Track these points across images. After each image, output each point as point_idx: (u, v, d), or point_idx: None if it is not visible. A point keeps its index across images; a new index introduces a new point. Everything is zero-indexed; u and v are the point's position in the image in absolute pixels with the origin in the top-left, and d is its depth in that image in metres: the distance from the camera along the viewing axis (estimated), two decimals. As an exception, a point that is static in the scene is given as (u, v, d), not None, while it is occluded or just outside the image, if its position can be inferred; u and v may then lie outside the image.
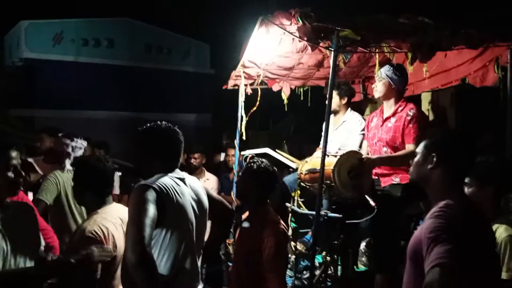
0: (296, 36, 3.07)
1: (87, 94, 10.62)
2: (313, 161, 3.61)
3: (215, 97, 5.50)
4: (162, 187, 2.10)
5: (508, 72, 3.33)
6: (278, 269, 2.58)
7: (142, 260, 1.89)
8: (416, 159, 1.96)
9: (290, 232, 3.43)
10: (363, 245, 3.59)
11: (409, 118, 3.35)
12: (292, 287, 3.33)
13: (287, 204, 3.59)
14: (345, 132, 4.11)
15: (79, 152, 3.80)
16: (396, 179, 3.36)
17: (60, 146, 3.80)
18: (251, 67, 4.34)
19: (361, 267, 3.58)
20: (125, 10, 12.60)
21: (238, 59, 4.20)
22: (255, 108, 4.56)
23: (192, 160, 5.17)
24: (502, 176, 2.44)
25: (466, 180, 2.42)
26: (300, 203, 3.69)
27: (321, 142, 3.36)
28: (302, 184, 3.71)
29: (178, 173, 2.28)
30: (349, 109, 4.21)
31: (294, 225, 3.49)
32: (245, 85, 4.62)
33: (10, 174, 2.08)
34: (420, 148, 1.96)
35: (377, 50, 3.31)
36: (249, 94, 4.67)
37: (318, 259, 3.51)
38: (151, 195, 2.04)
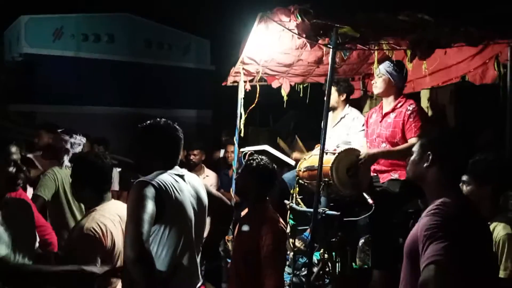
0: (295, 33, 3.06)
1: (87, 90, 10.60)
2: (311, 159, 3.60)
3: (215, 93, 5.49)
4: (161, 184, 2.10)
5: (508, 70, 3.32)
6: (276, 266, 2.58)
7: (140, 256, 1.88)
8: (412, 157, 1.97)
9: (288, 229, 3.43)
10: (361, 242, 3.60)
11: (409, 112, 3.35)
12: (290, 284, 3.34)
13: (286, 201, 3.59)
14: (344, 129, 4.12)
15: (78, 149, 3.80)
16: (394, 175, 3.37)
17: (58, 142, 3.79)
18: (251, 64, 4.33)
19: (359, 265, 3.58)
20: (125, 5, 12.58)
21: (238, 56, 4.19)
22: (254, 105, 4.55)
23: (192, 157, 5.17)
24: (501, 175, 2.44)
25: (465, 178, 2.43)
26: (299, 200, 3.69)
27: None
28: (300, 181, 3.71)
29: (177, 170, 2.28)
30: (348, 105, 4.21)
31: (293, 222, 3.49)
32: (245, 81, 4.61)
33: (11, 169, 2.08)
34: (416, 147, 1.97)
35: (376, 48, 3.30)
36: (247, 90, 4.66)
37: (316, 256, 3.51)
38: (149, 191, 2.04)
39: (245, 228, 2.76)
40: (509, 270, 2.29)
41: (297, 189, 3.71)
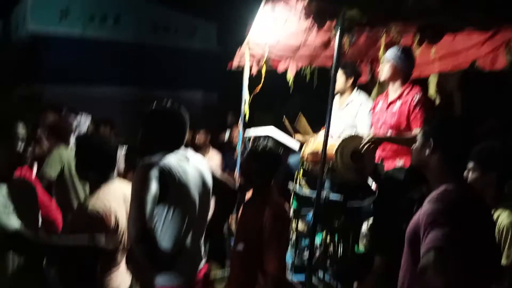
0: (302, 15, 3.02)
1: (93, 70, 10.56)
2: (316, 143, 3.59)
3: (221, 75, 5.45)
4: (165, 165, 2.12)
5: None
6: (278, 249, 2.59)
7: (142, 236, 1.92)
8: (415, 145, 1.97)
9: (291, 213, 3.45)
10: (364, 227, 3.60)
11: (415, 102, 3.30)
12: (292, 266, 3.37)
13: (290, 184, 3.59)
14: (350, 114, 4.09)
15: (83, 129, 3.82)
16: (400, 162, 3.35)
17: (64, 122, 3.82)
18: (256, 47, 4.29)
19: (361, 249, 3.60)
20: (131, -14, 12.44)
21: (244, 38, 4.14)
22: (259, 89, 4.50)
23: (197, 138, 5.18)
24: (506, 162, 2.42)
25: (470, 165, 2.41)
26: (303, 184, 3.69)
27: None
28: (304, 165, 3.70)
29: (182, 152, 2.30)
30: (356, 89, 4.17)
31: (296, 205, 3.50)
32: (250, 65, 4.56)
33: (18, 148, 2.10)
34: (419, 134, 1.97)
35: (383, 32, 3.25)
36: (253, 75, 4.61)
37: (319, 239, 3.53)
38: (153, 173, 2.06)
39: (249, 211, 2.77)
40: (511, 258, 2.28)
41: (301, 172, 3.71)
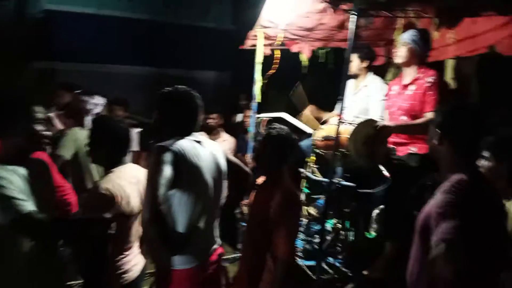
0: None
1: (107, 48, 10.53)
2: (329, 128, 3.56)
3: (235, 55, 5.39)
4: (179, 149, 2.17)
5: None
6: (289, 234, 2.60)
7: (155, 217, 2.00)
8: (428, 134, 1.95)
9: (303, 197, 3.45)
10: (375, 212, 3.60)
11: (429, 85, 3.25)
12: (303, 251, 3.39)
13: (301, 169, 3.58)
14: (365, 97, 4.04)
15: (98, 110, 3.83)
16: (413, 149, 3.31)
17: (79, 103, 3.82)
18: (270, 27, 4.22)
19: (372, 234, 3.60)
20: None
21: (258, 17, 4.07)
22: (273, 71, 4.44)
23: (210, 120, 5.16)
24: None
25: (486, 154, 2.37)
26: (315, 169, 3.68)
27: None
28: (316, 150, 3.68)
29: (196, 136, 2.34)
30: (371, 73, 4.11)
31: (307, 190, 3.50)
32: (264, 45, 4.50)
33: (37, 128, 2.13)
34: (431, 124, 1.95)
35: (401, 15, 3.17)
36: (266, 55, 4.55)
37: (330, 224, 3.54)
38: (168, 156, 2.11)
39: (261, 195, 2.78)
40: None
41: (314, 158, 3.69)
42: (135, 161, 3.91)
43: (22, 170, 2.10)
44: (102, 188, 2.33)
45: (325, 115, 4.22)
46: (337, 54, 4.92)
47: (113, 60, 10.74)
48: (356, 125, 3.27)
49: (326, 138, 3.50)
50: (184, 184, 2.18)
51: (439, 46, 4.21)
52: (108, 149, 2.48)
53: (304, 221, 3.56)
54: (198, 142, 2.33)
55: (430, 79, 3.27)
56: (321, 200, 3.74)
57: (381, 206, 3.57)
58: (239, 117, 6.26)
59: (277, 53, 4.57)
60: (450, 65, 4.32)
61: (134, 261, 2.50)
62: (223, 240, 2.57)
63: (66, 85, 4.67)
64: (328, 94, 3.92)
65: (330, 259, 3.46)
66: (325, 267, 3.37)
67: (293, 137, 2.75)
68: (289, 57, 4.84)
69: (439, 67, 3.74)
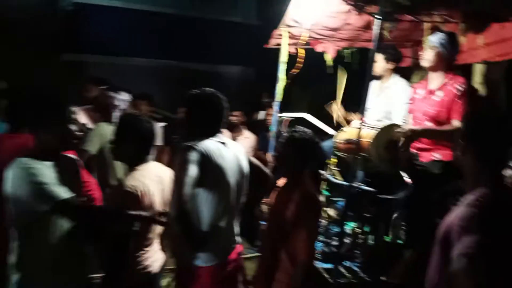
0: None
1: (133, 41, 10.67)
2: (351, 131, 3.54)
3: (261, 51, 5.37)
4: (205, 150, 2.27)
5: None
6: (308, 236, 2.61)
7: (180, 214, 2.10)
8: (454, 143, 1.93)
9: (322, 199, 3.44)
10: (394, 217, 3.56)
11: (458, 93, 3.17)
12: (322, 253, 3.38)
13: (322, 171, 3.57)
14: (388, 100, 3.99)
15: (124, 106, 3.88)
16: (436, 155, 3.25)
17: (106, 98, 3.88)
18: (295, 26, 4.20)
19: (391, 239, 3.58)
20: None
21: (284, 13, 4.04)
22: (296, 70, 4.42)
23: (232, 118, 5.19)
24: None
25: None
26: (335, 171, 3.66)
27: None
28: (337, 153, 3.66)
29: (220, 137, 2.44)
30: (396, 75, 4.06)
31: (327, 193, 3.49)
32: (289, 44, 4.48)
33: (72, 127, 2.21)
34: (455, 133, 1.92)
35: (426, 19, 3.11)
36: (292, 54, 4.52)
37: (349, 227, 3.52)
38: (194, 156, 2.22)
39: (281, 195, 2.79)
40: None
41: (335, 160, 3.67)
42: (158, 155, 3.94)
43: (52, 166, 2.17)
44: (127, 185, 2.38)
45: (351, 116, 4.19)
46: (363, 54, 4.86)
47: (139, 53, 10.86)
48: (379, 130, 3.24)
49: (348, 141, 3.47)
50: (208, 183, 2.27)
51: (468, 49, 4.12)
52: (133, 148, 2.51)
53: (323, 222, 3.55)
54: (223, 143, 2.42)
55: (459, 87, 3.19)
56: (341, 202, 3.72)
57: (400, 211, 3.53)
58: (261, 115, 6.26)
59: (301, 52, 4.54)
60: (478, 69, 4.22)
61: (154, 257, 2.55)
62: (241, 236, 2.62)
63: (95, 79, 4.72)
64: (355, 93, 3.88)
65: (348, 263, 3.45)
66: (343, 270, 3.37)
67: (315, 140, 2.74)
68: (313, 57, 4.81)
69: (467, 71, 3.65)
